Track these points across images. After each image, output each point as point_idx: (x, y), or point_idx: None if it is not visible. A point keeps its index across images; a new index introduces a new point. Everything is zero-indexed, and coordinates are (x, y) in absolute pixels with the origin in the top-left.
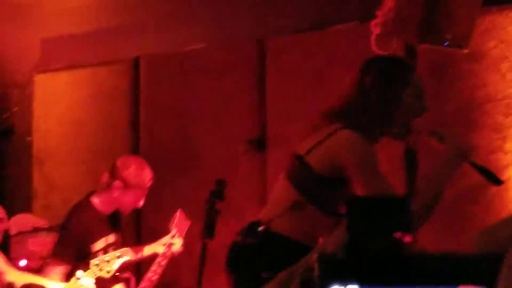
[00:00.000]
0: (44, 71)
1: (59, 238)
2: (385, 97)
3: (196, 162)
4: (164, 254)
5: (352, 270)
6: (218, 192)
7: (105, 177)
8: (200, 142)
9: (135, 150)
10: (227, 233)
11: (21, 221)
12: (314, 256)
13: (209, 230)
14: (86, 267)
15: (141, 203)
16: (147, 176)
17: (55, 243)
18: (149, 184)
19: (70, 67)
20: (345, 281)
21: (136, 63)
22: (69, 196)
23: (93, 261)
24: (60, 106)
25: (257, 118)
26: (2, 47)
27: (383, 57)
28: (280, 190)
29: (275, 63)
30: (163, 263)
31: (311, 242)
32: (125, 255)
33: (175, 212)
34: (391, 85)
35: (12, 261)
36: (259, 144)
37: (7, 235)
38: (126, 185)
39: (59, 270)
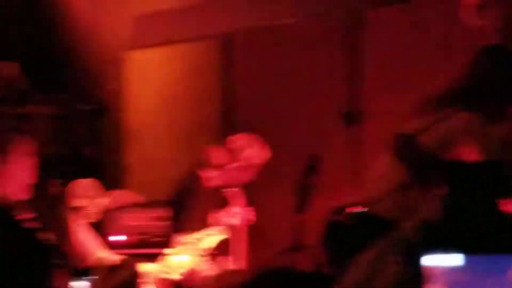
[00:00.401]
0: (138, 48)
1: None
2: (504, 79)
3: (290, 136)
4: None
5: (454, 238)
6: (312, 167)
7: (220, 154)
8: (294, 116)
9: (229, 125)
10: (320, 208)
11: (118, 197)
12: (410, 222)
13: (302, 205)
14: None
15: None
16: (266, 155)
17: (175, 218)
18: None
19: (164, 43)
20: (445, 249)
21: (229, 38)
22: (164, 172)
23: (187, 238)
24: (154, 82)
25: (352, 91)
26: (96, 24)
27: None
28: (384, 169)
29: (371, 35)
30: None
31: None
32: (221, 234)
33: (268, 186)
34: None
35: (110, 236)
36: (354, 117)
37: (105, 211)
38: (248, 165)
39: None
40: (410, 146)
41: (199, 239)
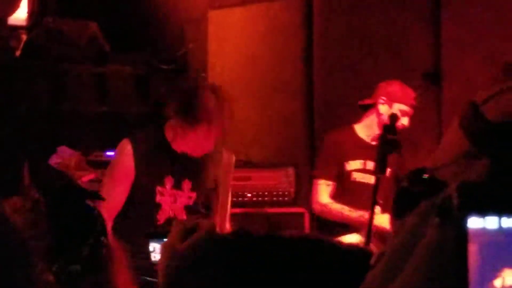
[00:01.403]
0: (219, 7)
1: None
2: None
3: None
4: None
5: (493, 201)
6: (391, 127)
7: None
8: (374, 76)
9: (309, 84)
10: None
11: None
12: (453, 185)
13: (381, 164)
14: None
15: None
16: (411, 93)
17: (317, 162)
18: (412, 102)
19: (244, 2)
20: (484, 212)
21: None
22: (245, 131)
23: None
24: (234, 42)
25: (433, 50)
26: None
27: None
28: (452, 136)
29: None
30: None
31: None
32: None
33: None
34: None
35: None
36: (434, 77)
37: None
38: (392, 100)
39: (325, 186)
40: (472, 116)
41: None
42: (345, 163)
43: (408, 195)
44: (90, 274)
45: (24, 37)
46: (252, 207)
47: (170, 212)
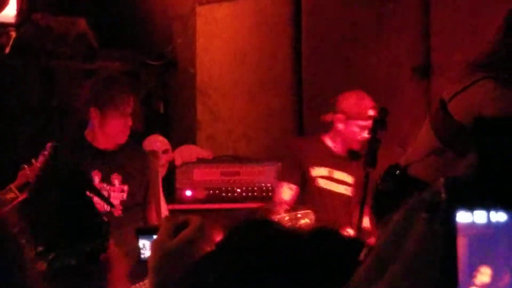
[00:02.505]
0: (207, 2)
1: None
2: None
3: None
4: None
5: (481, 195)
6: (381, 121)
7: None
8: (363, 69)
9: (298, 79)
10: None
11: (186, 152)
12: (441, 179)
13: (371, 158)
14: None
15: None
16: (367, 106)
17: (282, 166)
18: (370, 114)
19: None
20: (472, 206)
21: None
22: (233, 127)
23: (286, 216)
24: (222, 37)
25: (422, 44)
26: None
27: None
28: (424, 133)
29: None
30: None
31: None
32: (306, 218)
33: None
34: None
35: (178, 191)
36: (424, 71)
37: (172, 166)
38: (348, 117)
39: (288, 189)
40: (440, 114)
41: (298, 218)
42: (310, 168)
43: (382, 193)
44: (83, 270)
45: (13, 34)
46: (241, 202)
47: (105, 206)
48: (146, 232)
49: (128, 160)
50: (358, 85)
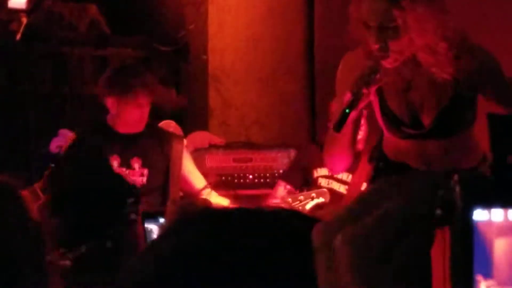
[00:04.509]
0: None
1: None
2: None
3: None
4: None
5: (497, 192)
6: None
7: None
8: None
9: (310, 66)
10: None
11: (198, 138)
12: (455, 177)
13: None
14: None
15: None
16: None
17: (287, 167)
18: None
19: None
20: (489, 204)
21: None
22: (245, 113)
23: (286, 198)
24: (235, 23)
25: None
26: None
27: None
28: None
29: None
30: None
31: None
32: (321, 197)
33: None
34: None
35: None
36: None
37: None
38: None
39: (283, 189)
40: None
41: (301, 201)
42: (314, 170)
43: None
44: (122, 251)
45: (24, 20)
46: (254, 189)
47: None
48: (151, 216)
49: (150, 143)
50: None
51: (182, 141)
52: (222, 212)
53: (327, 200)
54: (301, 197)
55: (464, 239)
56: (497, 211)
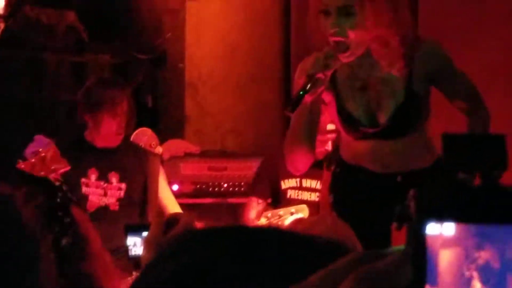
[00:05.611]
0: None
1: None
2: None
3: None
4: None
5: (449, 207)
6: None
7: None
8: None
9: (287, 74)
10: None
11: (173, 146)
12: (411, 191)
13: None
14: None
15: (327, 147)
16: (325, 120)
17: (253, 180)
18: (329, 128)
19: None
20: (441, 218)
21: None
22: (221, 121)
23: (265, 213)
24: (212, 32)
25: None
26: None
27: None
28: None
29: None
30: None
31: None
32: (300, 212)
33: None
34: None
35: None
36: None
37: (160, 160)
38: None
39: (256, 205)
40: None
41: (280, 216)
42: (281, 182)
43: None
44: (78, 246)
45: (2, 25)
46: (228, 197)
47: (101, 203)
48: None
49: (127, 158)
50: None
51: (159, 157)
52: (219, 233)
53: (307, 215)
54: (281, 212)
55: (416, 253)
56: (448, 225)
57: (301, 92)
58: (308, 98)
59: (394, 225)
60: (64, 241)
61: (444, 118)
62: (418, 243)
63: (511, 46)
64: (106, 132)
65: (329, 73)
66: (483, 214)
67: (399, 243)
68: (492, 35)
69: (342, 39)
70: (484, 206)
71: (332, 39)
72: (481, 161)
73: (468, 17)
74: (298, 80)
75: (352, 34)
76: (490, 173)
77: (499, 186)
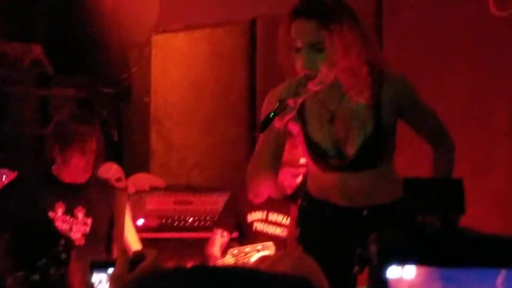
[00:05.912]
0: (163, 31)
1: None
2: None
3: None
4: None
5: (410, 250)
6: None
7: None
8: None
9: (252, 109)
10: None
11: (139, 180)
12: (372, 235)
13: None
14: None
15: (297, 181)
16: (298, 153)
17: (220, 212)
18: (302, 162)
19: (188, 27)
20: (402, 261)
21: (253, 24)
22: (186, 156)
23: (232, 250)
24: (178, 66)
25: None
26: (121, 7)
27: None
28: None
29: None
30: None
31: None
32: (266, 249)
33: None
34: None
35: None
36: None
37: (126, 195)
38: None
39: (220, 237)
40: None
41: (246, 253)
42: (248, 214)
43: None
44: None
45: None
46: (193, 232)
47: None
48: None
49: (94, 193)
50: None
51: (125, 192)
52: (186, 275)
53: (273, 252)
54: (247, 249)
55: None
56: (410, 268)
57: (272, 113)
58: (277, 123)
59: (356, 268)
60: (35, 277)
61: (409, 152)
62: (380, 286)
63: (470, 81)
64: (74, 168)
65: (299, 101)
66: (443, 257)
67: (365, 278)
68: (452, 70)
69: (313, 73)
70: (444, 249)
71: (303, 71)
72: (440, 204)
73: (429, 51)
74: (267, 105)
75: (323, 68)
76: (449, 217)
77: (458, 229)
